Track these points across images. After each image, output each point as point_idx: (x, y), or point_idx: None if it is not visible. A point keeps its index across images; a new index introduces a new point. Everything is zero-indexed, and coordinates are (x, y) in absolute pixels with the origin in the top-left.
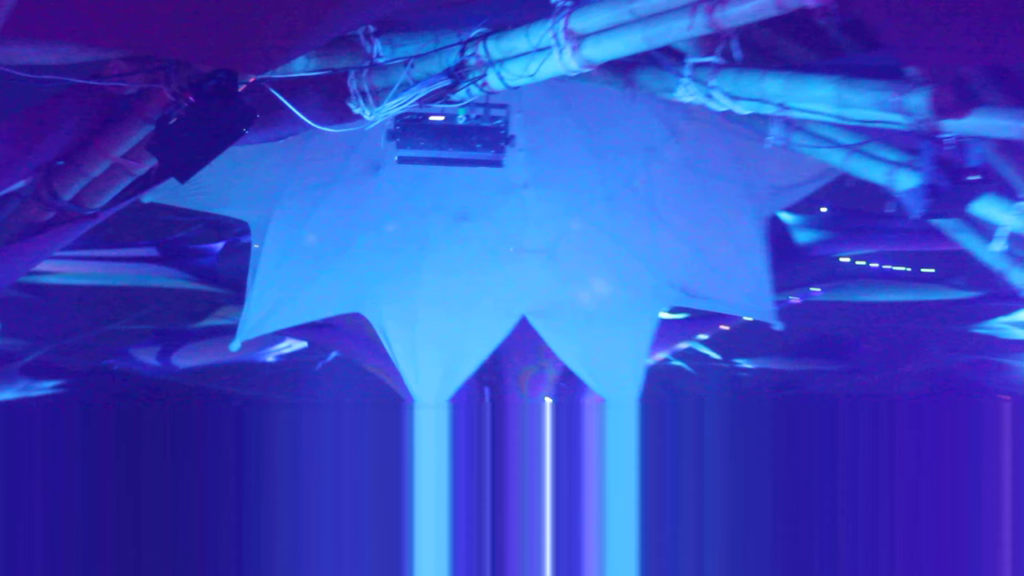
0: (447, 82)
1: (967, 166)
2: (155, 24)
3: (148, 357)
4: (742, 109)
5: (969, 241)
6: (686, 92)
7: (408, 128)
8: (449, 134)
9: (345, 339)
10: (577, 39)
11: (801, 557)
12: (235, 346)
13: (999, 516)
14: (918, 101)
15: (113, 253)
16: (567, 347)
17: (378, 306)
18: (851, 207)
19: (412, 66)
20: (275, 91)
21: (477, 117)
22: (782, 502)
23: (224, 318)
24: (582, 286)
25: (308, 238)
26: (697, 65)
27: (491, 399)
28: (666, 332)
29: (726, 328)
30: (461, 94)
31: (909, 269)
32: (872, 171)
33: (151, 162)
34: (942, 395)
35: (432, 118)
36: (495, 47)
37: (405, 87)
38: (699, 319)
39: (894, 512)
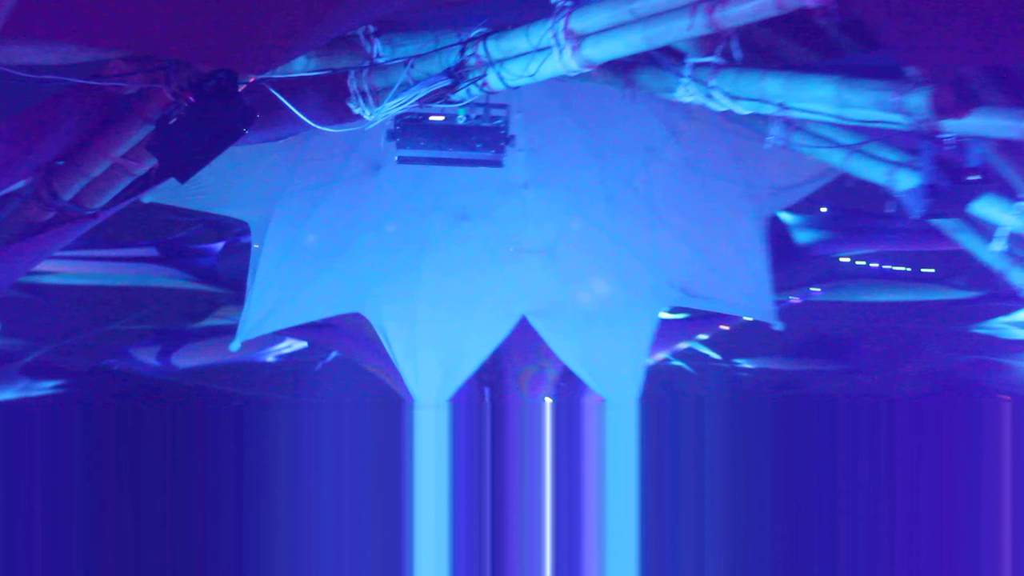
0: (447, 82)
1: (967, 166)
2: (155, 24)
3: (148, 357)
4: (742, 109)
5: (969, 241)
6: (686, 92)
7: (408, 128)
8: (449, 134)
9: (345, 339)
10: (577, 39)
11: (801, 557)
12: (235, 346)
13: (999, 516)
14: (918, 101)
15: (113, 253)
16: (567, 347)
17: (378, 306)
18: (851, 207)
19: (412, 66)
20: (275, 91)
21: (477, 117)
22: (782, 502)
23: (224, 318)
24: (582, 286)
25: (308, 238)
26: (697, 65)
27: (491, 399)
28: (666, 332)
29: (726, 328)
30: (461, 94)
31: (909, 269)
32: (872, 171)
33: (151, 162)
34: (942, 395)
35: (432, 118)
36: (495, 47)
37: (405, 87)
38: (699, 319)
39: (894, 512)
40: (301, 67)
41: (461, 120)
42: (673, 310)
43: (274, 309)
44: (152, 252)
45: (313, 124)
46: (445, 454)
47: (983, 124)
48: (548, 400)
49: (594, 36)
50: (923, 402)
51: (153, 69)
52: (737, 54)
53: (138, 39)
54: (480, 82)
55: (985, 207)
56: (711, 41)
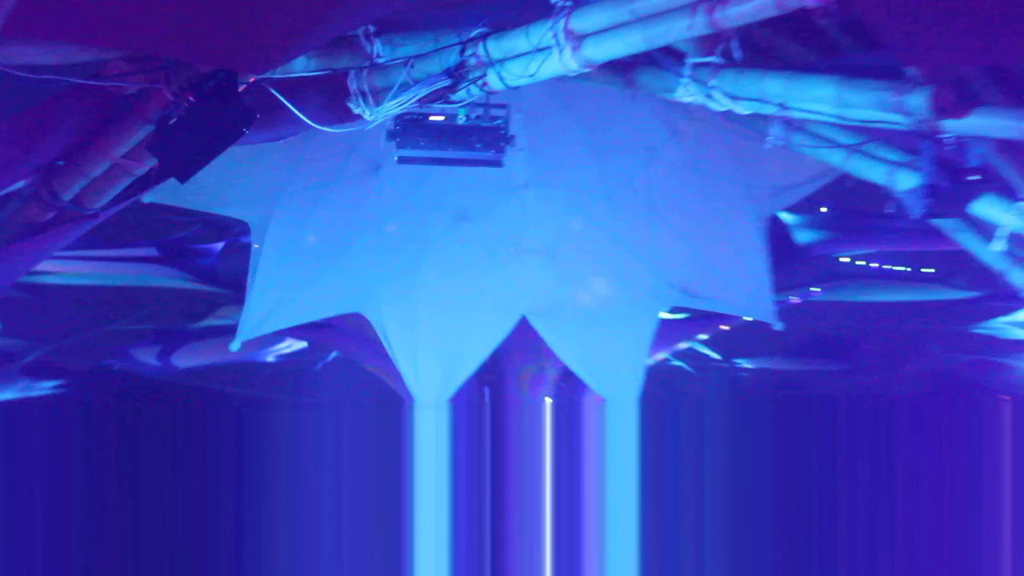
0: (447, 82)
1: (967, 166)
2: (155, 24)
3: (148, 357)
4: (742, 109)
5: (969, 241)
6: (686, 92)
7: (408, 128)
8: (449, 134)
9: (345, 339)
10: (577, 39)
11: (801, 557)
12: (235, 346)
13: (999, 516)
14: (918, 101)
15: (113, 253)
16: (567, 347)
17: (378, 306)
18: (851, 207)
19: (412, 66)
20: (275, 91)
21: (477, 117)
22: (782, 502)
23: (224, 318)
24: (582, 286)
25: (308, 238)
26: (697, 65)
27: (491, 399)
28: (666, 332)
29: (726, 328)
30: (461, 94)
31: (909, 269)
32: (872, 171)
33: (151, 162)
34: (942, 395)
35: (432, 118)
36: (495, 47)
37: (405, 87)
38: (699, 319)
39: (894, 512)
40: (301, 67)
41: (461, 120)
42: (673, 310)
43: (274, 309)
44: (152, 252)
45: (313, 124)
46: (445, 454)
47: (983, 124)
48: (548, 400)
49: (594, 36)
50: (923, 402)
51: (153, 69)
52: (737, 54)
53: (138, 39)
54: (480, 82)
55: (985, 207)
56: (711, 41)
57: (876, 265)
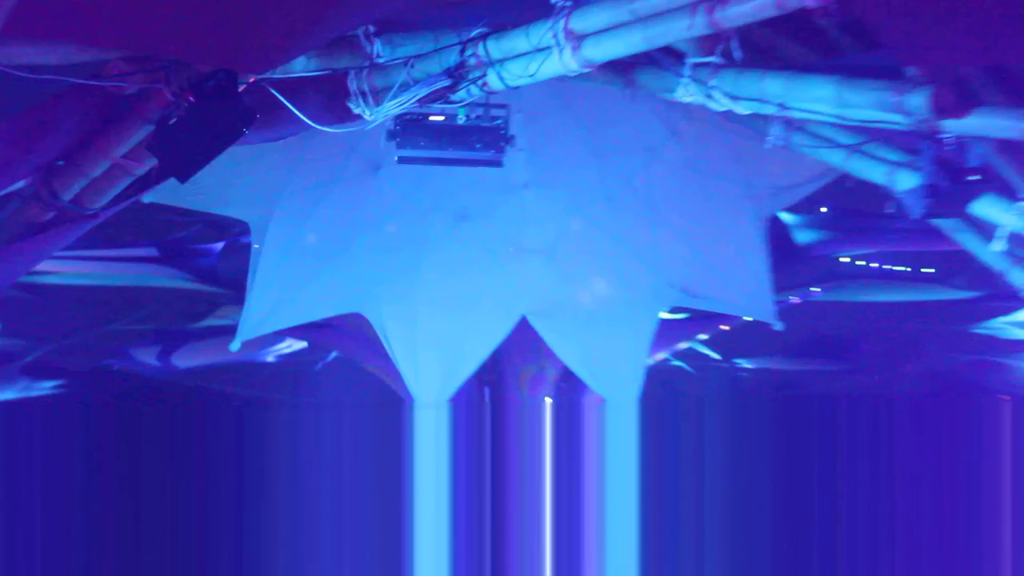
0: (447, 82)
1: (967, 166)
2: (155, 24)
3: (148, 357)
4: (742, 109)
5: (969, 241)
6: (686, 92)
7: (408, 128)
8: (449, 134)
9: (345, 339)
10: (577, 39)
11: (801, 557)
12: (235, 346)
13: (999, 516)
14: (918, 101)
15: (113, 253)
16: (567, 347)
17: (378, 306)
18: (851, 207)
19: (412, 66)
20: (275, 91)
21: (477, 117)
22: (782, 502)
23: (224, 318)
24: (582, 286)
25: (308, 238)
26: (697, 65)
27: (491, 399)
28: (666, 332)
29: (726, 328)
30: (461, 94)
31: (909, 269)
32: (872, 171)
33: (151, 162)
34: (942, 395)
35: (432, 118)
36: (495, 47)
37: (405, 87)
38: (699, 319)
39: (894, 512)
40: (301, 67)
41: (461, 120)
42: (673, 310)
43: (274, 309)
44: (152, 252)
45: (313, 124)
46: (445, 454)
47: (983, 124)
48: (548, 400)
49: (594, 36)
50: (923, 402)
51: (153, 69)
52: (737, 54)
53: (138, 39)
54: (480, 82)
55: (985, 207)
56: (711, 41)
57: (876, 265)
